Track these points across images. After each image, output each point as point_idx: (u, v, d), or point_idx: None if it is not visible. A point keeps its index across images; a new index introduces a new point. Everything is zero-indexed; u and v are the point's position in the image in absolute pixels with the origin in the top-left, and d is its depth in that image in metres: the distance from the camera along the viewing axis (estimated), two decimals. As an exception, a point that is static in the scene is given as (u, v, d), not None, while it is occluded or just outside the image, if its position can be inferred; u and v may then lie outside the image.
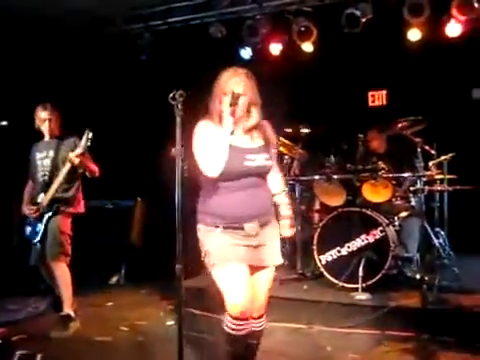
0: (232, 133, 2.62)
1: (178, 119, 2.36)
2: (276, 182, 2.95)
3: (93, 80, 6.56)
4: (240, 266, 2.70)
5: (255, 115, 2.76)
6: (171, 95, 2.35)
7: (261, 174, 2.80)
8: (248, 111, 2.74)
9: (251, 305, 2.75)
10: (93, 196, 5.08)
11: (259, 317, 2.88)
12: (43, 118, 4.40)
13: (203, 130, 2.69)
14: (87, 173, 4.38)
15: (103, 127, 6.06)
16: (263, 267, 2.85)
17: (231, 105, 2.57)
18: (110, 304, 5.20)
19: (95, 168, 4.39)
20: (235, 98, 2.56)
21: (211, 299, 4.68)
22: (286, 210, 2.96)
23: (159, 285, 5.43)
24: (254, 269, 2.81)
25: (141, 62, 6.58)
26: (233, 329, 2.69)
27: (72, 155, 4.13)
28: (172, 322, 4.43)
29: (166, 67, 6.62)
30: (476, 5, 5.08)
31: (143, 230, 6.36)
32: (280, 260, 2.90)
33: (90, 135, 4.11)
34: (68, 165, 4.17)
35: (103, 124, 6.29)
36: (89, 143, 4.11)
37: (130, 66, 6.58)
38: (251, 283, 2.76)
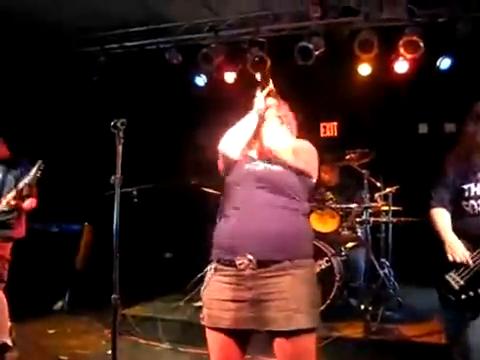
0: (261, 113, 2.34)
1: (119, 148, 2.34)
2: None
3: (43, 100, 6.45)
4: (220, 335, 2.10)
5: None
6: (113, 123, 2.34)
7: (272, 188, 2.15)
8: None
9: None
10: (37, 219, 4.95)
11: None
12: None
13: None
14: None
15: (51, 148, 5.98)
16: (278, 333, 2.05)
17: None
18: (52, 332, 5.03)
19: (31, 205, 4.30)
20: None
21: (157, 328, 4.65)
22: None
23: (102, 312, 5.29)
24: (246, 335, 2.15)
25: (92, 83, 6.53)
26: None
27: (9, 197, 4.05)
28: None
29: (120, 90, 6.59)
30: (421, 44, 5.30)
31: (89, 256, 6.22)
32: (293, 324, 2.01)
33: (42, 167, 4.04)
34: (4, 202, 4.07)
35: (51, 145, 6.20)
36: (38, 175, 4.03)
37: (82, 87, 6.52)
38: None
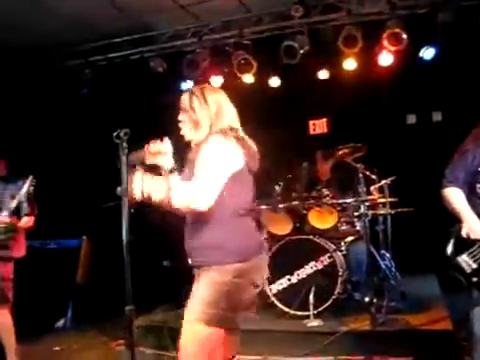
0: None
1: (123, 158, 2.33)
2: None
3: (34, 116, 6.41)
4: None
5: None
6: (115, 134, 2.33)
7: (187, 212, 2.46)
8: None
9: None
10: (34, 236, 4.91)
11: None
12: None
13: None
14: None
15: (46, 163, 5.94)
16: None
17: None
18: (57, 349, 4.98)
19: (27, 225, 4.29)
20: None
21: (162, 336, 4.63)
22: None
23: (107, 326, 5.26)
24: None
25: (82, 97, 6.50)
26: None
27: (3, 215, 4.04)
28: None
29: (108, 101, 6.57)
30: (404, 36, 5.35)
31: (89, 270, 6.18)
32: (193, 315, 2.38)
33: (33, 182, 4.02)
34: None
35: (46, 160, 6.16)
36: (32, 190, 4.01)
37: (71, 101, 6.49)
38: None
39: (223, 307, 2.38)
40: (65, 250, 6.10)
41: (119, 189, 2.31)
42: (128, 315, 2.31)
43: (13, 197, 4.08)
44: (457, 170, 2.93)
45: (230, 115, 2.56)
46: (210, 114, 2.49)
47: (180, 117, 2.58)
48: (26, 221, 4.27)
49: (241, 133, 2.55)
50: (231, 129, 2.48)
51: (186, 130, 2.57)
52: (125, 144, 2.30)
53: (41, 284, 5.64)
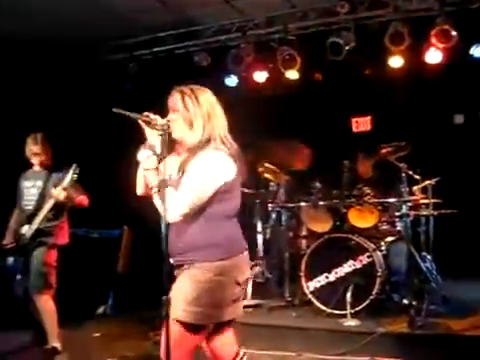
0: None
1: (164, 150, 2.37)
2: None
3: (79, 109, 6.57)
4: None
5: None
6: (160, 126, 2.39)
7: None
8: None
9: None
10: (77, 224, 5.04)
11: None
12: (33, 152, 4.37)
13: None
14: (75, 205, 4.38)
15: (90, 155, 6.08)
16: None
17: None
18: (97, 335, 5.11)
19: (83, 201, 4.39)
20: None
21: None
22: None
23: (147, 315, 5.35)
24: None
25: (125, 91, 6.61)
26: None
27: (55, 192, 4.13)
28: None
29: (152, 95, 6.65)
30: (454, 33, 5.21)
31: (130, 259, 6.30)
32: (175, 314, 2.39)
33: (77, 170, 4.12)
34: (53, 199, 4.15)
35: (90, 152, 6.31)
36: (75, 178, 4.11)
37: (115, 95, 6.61)
38: None
39: (205, 304, 2.42)
40: (107, 240, 6.25)
41: (160, 179, 2.37)
42: (165, 305, 2.35)
43: (56, 186, 4.19)
44: None
45: (221, 116, 2.57)
46: (203, 114, 2.50)
47: (171, 117, 2.54)
48: (81, 198, 4.39)
49: (231, 141, 2.56)
50: (223, 141, 2.51)
51: (179, 130, 2.52)
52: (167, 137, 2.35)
53: (83, 272, 5.79)
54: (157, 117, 2.47)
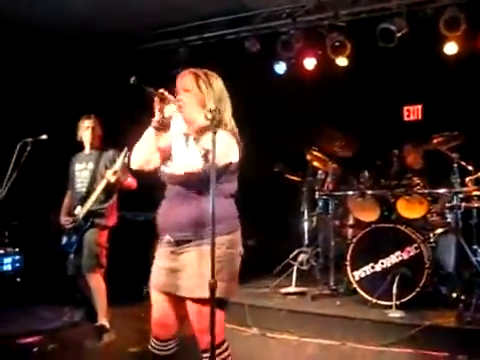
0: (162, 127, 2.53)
1: (212, 135, 2.39)
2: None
3: (127, 94, 6.68)
4: (155, 294, 2.59)
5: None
6: (206, 111, 2.41)
7: (182, 183, 2.52)
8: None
9: (163, 331, 2.61)
10: (126, 207, 5.16)
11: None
12: (86, 126, 4.50)
13: None
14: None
15: (136, 140, 6.19)
16: (184, 297, 2.51)
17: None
18: (144, 315, 5.24)
19: (132, 184, 4.49)
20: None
21: (244, 314, 4.73)
22: None
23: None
24: (176, 297, 2.54)
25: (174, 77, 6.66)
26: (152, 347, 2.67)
27: (108, 174, 4.24)
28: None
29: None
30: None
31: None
32: (197, 293, 2.43)
33: (128, 154, 4.19)
34: (105, 181, 4.26)
35: (136, 137, 6.42)
36: (126, 161, 4.20)
37: (165, 81, 6.69)
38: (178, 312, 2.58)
39: (225, 278, 2.47)
40: (152, 223, 6.37)
41: (206, 165, 2.40)
42: (209, 288, 2.38)
43: (107, 168, 4.30)
44: None
45: (228, 102, 2.64)
46: (215, 97, 2.55)
47: (182, 97, 2.56)
48: (131, 181, 4.49)
49: (234, 126, 2.63)
50: (232, 125, 2.59)
51: (191, 110, 2.55)
52: (215, 122, 2.37)
53: (131, 254, 5.94)
54: (171, 96, 2.51)
